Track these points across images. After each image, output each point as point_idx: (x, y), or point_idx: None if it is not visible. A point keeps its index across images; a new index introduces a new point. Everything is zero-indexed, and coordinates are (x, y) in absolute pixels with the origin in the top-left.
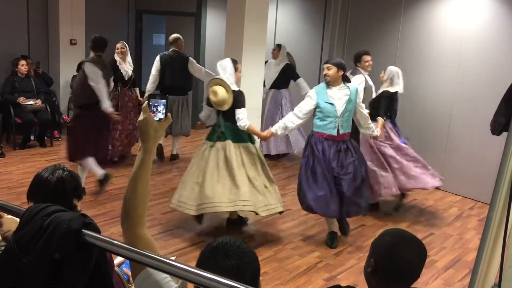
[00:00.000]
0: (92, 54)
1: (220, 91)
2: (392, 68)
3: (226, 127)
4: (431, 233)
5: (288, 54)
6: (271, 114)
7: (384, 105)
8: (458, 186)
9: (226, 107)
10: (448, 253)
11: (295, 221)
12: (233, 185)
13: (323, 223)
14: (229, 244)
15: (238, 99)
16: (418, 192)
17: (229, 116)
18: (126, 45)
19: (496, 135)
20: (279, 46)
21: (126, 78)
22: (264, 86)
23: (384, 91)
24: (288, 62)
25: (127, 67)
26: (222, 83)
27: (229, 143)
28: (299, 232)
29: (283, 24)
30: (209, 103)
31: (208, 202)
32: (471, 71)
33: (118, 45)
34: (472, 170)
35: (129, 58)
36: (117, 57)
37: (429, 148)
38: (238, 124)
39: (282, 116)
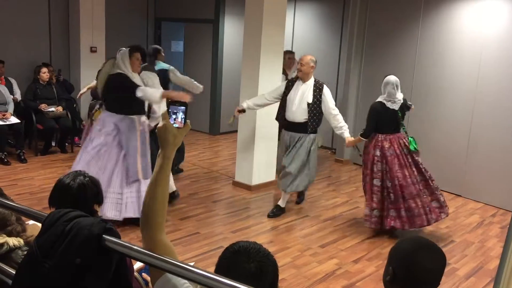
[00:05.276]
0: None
1: None
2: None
3: None
4: (452, 241)
5: None
6: None
7: None
8: (479, 193)
9: None
10: (470, 261)
11: (314, 227)
12: None
13: (342, 229)
14: (250, 247)
15: None
16: None
17: None
18: None
19: None
20: None
21: None
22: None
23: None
24: None
25: None
26: None
27: None
28: (317, 239)
29: (301, 29)
30: None
31: None
32: (491, 76)
33: None
34: (494, 177)
35: None
36: None
37: (450, 154)
38: None
39: None
